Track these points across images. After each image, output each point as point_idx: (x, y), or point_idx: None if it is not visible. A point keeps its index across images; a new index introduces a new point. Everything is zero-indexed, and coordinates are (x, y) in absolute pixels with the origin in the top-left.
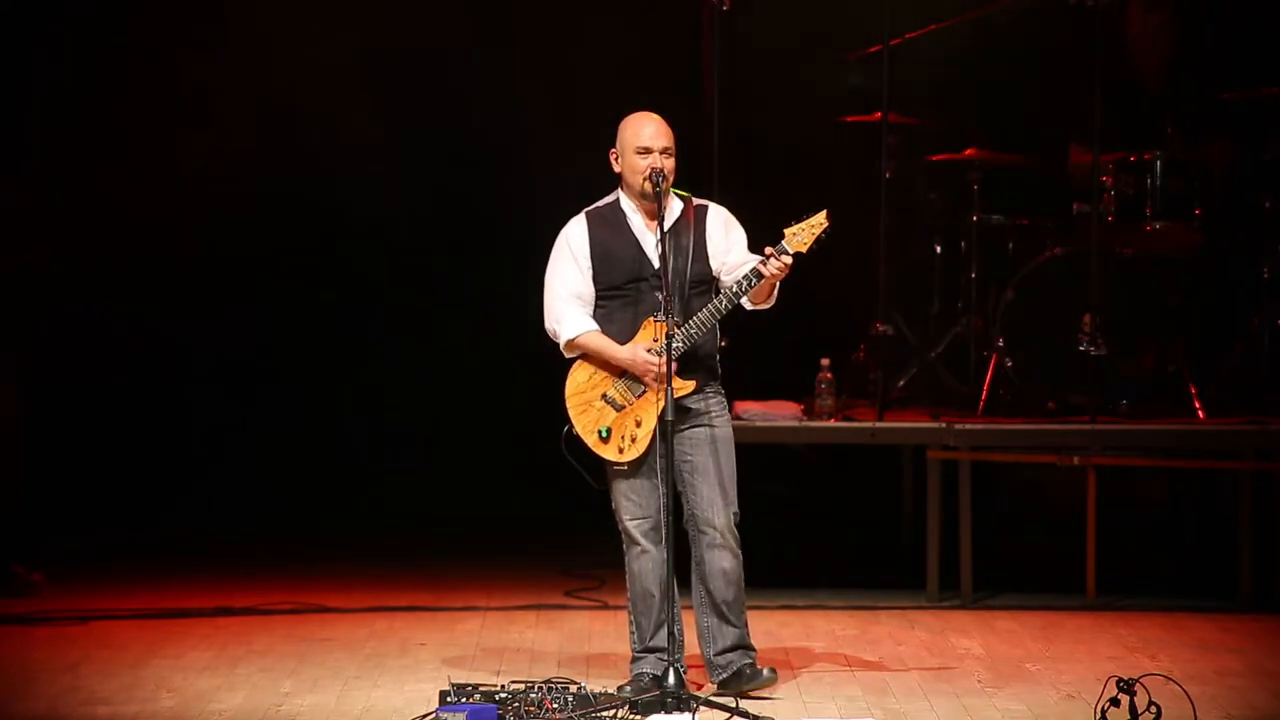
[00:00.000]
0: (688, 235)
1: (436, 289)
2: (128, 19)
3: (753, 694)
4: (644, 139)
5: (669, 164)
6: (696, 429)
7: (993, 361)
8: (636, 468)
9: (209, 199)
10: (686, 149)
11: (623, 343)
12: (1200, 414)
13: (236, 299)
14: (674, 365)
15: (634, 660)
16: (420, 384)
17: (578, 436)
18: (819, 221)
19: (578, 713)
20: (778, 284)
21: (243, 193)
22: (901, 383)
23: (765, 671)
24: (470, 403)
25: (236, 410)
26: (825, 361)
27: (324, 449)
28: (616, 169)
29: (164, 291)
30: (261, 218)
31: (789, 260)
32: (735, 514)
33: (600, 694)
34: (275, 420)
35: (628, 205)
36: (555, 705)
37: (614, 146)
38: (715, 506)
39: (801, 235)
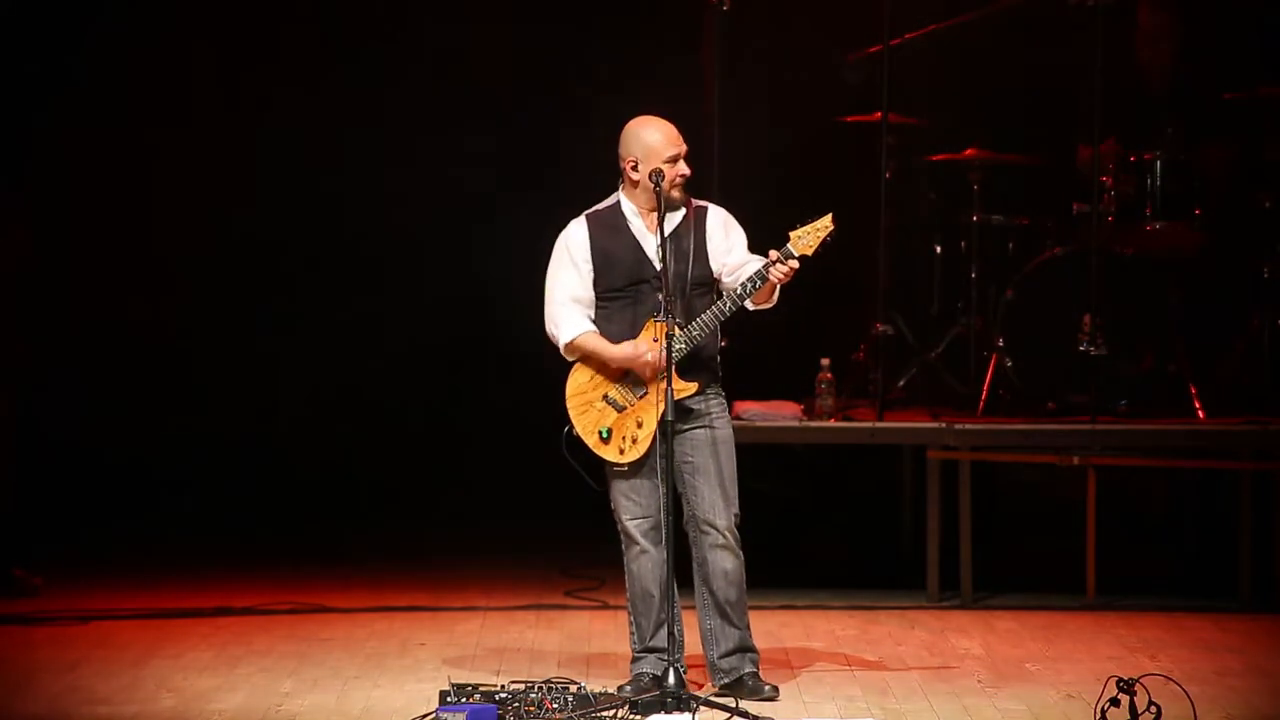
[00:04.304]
0: (688, 237)
1: (437, 285)
2: None
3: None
4: (672, 146)
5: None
6: (697, 430)
7: (993, 361)
8: (637, 468)
9: (210, 192)
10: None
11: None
12: (1200, 414)
13: (237, 297)
14: (674, 366)
15: (634, 660)
16: (420, 384)
17: (578, 437)
18: (824, 225)
19: (578, 713)
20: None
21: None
22: (901, 383)
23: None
24: (470, 402)
25: (235, 408)
26: (825, 361)
27: (323, 448)
28: (635, 177)
29: (164, 288)
30: (266, 209)
31: (795, 264)
32: (736, 515)
33: (600, 694)
34: (274, 419)
35: (628, 208)
36: (555, 705)
37: (627, 154)
38: (716, 508)
39: (807, 239)
